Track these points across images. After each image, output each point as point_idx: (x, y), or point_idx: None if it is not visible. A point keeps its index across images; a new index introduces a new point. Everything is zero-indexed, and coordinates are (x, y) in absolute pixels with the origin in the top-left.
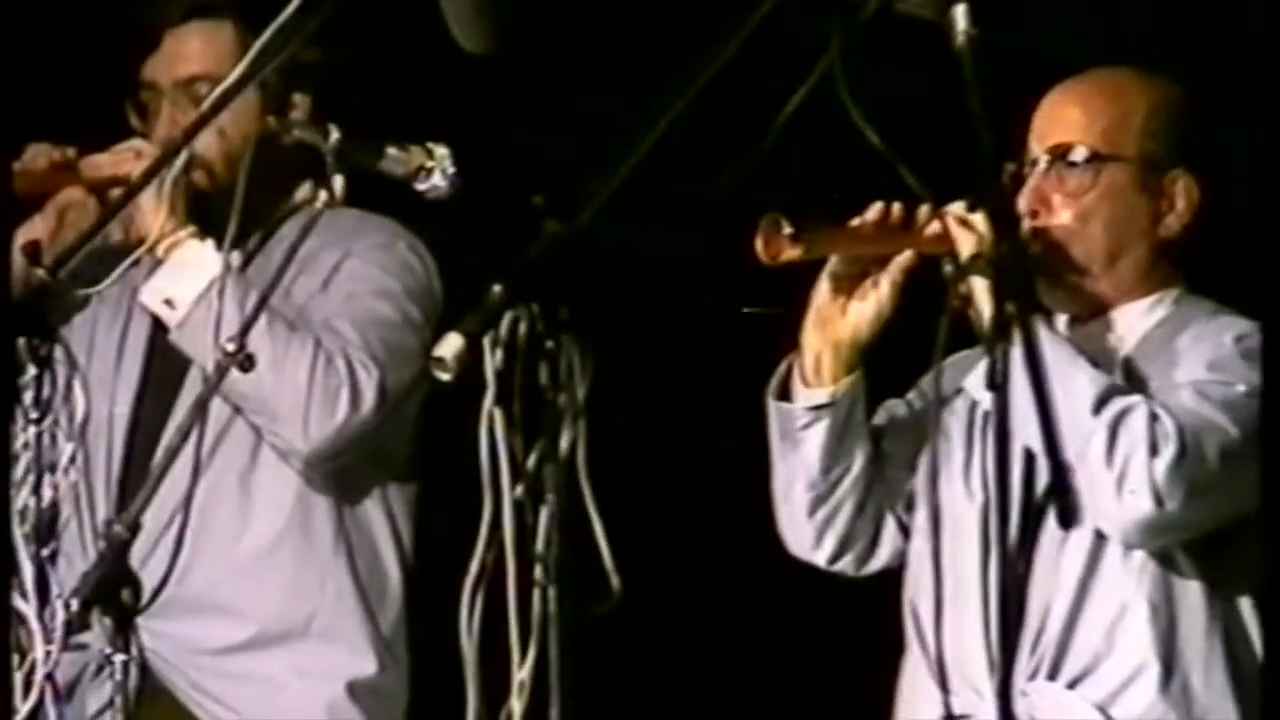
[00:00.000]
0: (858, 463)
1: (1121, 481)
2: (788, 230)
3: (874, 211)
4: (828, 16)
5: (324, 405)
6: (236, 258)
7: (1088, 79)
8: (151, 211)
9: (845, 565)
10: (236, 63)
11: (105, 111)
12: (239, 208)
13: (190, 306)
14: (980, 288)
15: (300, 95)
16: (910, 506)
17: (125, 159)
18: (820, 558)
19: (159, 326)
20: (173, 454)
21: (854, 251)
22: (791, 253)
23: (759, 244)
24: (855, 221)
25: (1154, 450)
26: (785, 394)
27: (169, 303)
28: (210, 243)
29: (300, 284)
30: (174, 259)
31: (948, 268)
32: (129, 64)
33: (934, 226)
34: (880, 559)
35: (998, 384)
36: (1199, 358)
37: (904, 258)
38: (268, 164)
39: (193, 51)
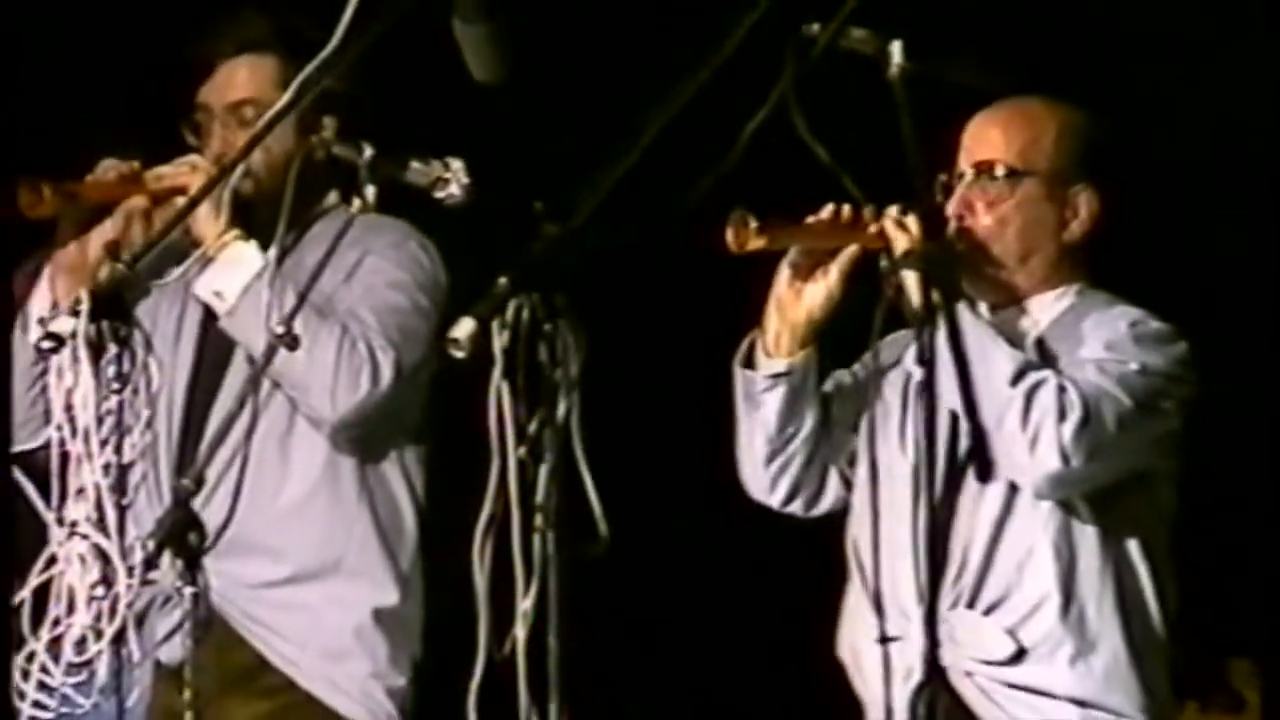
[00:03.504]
0: (809, 423)
1: (1034, 442)
2: (753, 224)
3: (826, 211)
4: (784, 50)
5: (348, 382)
6: (274, 254)
7: (1007, 106)
8: (206, 217)
9: (795, 508)
10: (278, 89)
11: (166, 131)
12: (287, 212)
13: (237, 298)
14: (911, 279)
15: (328, 118)
16: (852, 461)
17: (183, 172)
18: (774, 501)
19: (210, 314)
20: (230, 421)
21: (809, 244)
22: (756, 243)
23: (729, 235)
24: (810, 219)
25: (1062, 416)
26: (750, 363)
27: (219, 295)
28: (254, 243)
29: (327, 276)
30: (223, 257)
31: (884, 262)
32: (185, 91)
33: (875, 226)
34: (825, 504)
35: (926, 360)
36: (1099, 340)
37: (850, 251)
38: (303, 175)
39: (241, 80)
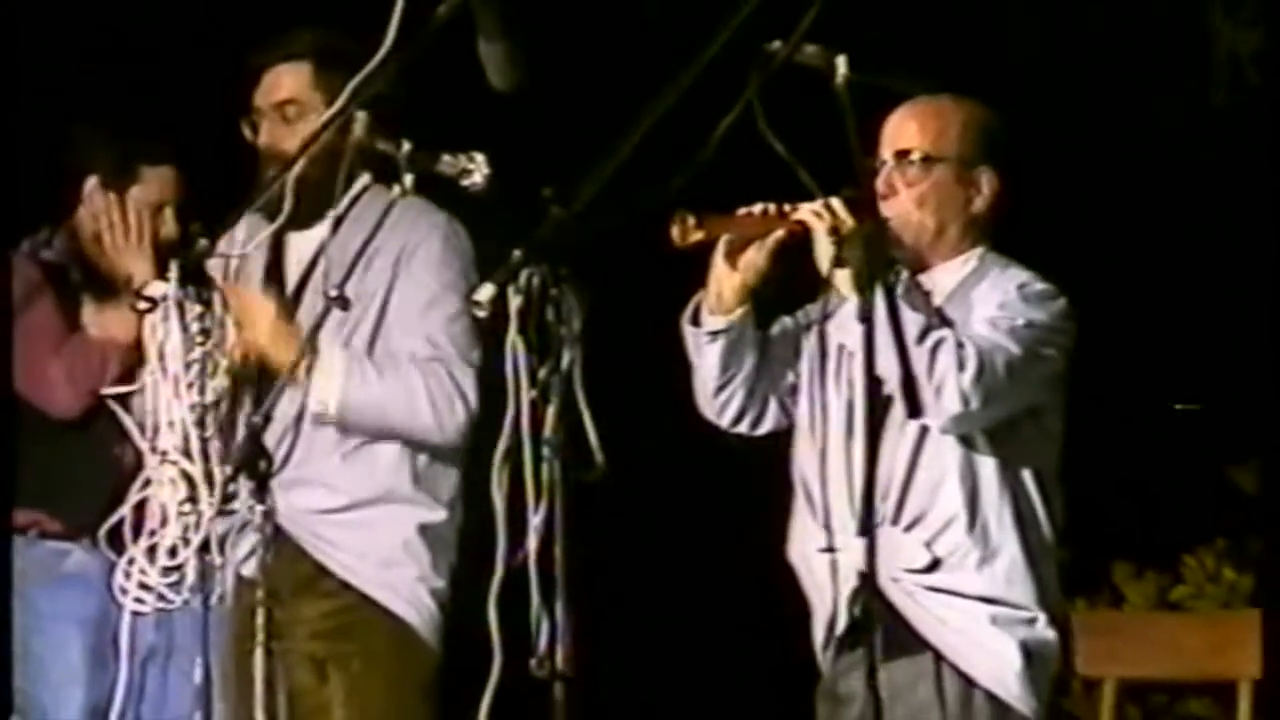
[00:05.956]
0: (747, 365)
1: (939, 390)
2: (691, 221)
3: (757, 208)
4: (749, 64)
5: (448, 415)
6: (327, 233)
7: (921, 102)
8: (276, 351)
9: (742, 428)
10: (313, 90)
11: (229, 128)
12: (339, 194)
13: (338, 399)
14: (824, 251)
15: (361, 113)
16: (792, 391)
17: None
18: (723, 423)
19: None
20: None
21: (739, 232)
22: (696, 235)
23: (673, 232)
24: (740, 211)
25: (961, 367)
26: (696, 320)
27: (322, 404)
28: (336, 347)
29: (376, 264)
30: (313, 375)
31: (821, 243)
32: (243, 95)
33: (797, 215)
34: (766, 426)
35: (828, 316)
36: (993, 300)
37: (776, 235)
38: (333, 164)
39: (282, 84)
